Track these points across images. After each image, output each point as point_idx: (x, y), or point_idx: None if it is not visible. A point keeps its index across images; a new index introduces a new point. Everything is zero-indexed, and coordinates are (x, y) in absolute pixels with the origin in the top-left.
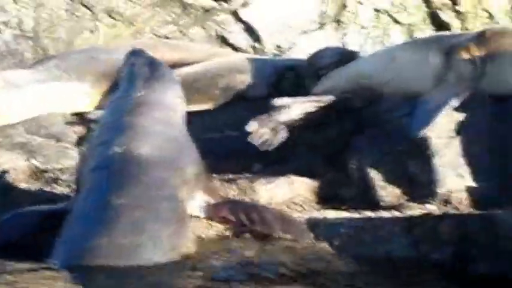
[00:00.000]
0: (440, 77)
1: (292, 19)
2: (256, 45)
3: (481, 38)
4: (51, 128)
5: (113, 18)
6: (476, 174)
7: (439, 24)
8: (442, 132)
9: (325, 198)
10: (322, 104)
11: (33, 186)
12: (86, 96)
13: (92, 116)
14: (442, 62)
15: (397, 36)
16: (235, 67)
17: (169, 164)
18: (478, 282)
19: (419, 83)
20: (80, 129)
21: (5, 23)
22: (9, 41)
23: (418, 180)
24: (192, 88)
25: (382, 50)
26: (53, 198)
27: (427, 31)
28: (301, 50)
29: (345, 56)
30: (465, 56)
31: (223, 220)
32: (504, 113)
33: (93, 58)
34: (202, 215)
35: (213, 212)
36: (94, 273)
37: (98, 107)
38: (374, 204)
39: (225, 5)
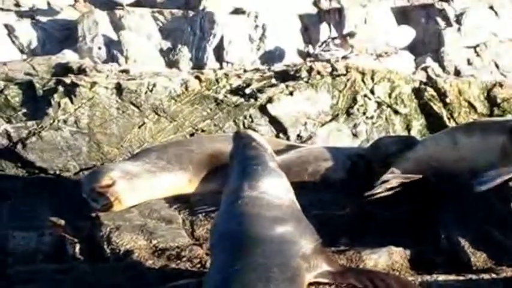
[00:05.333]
0: (505, 153)
1: (309, 112)
2: (281, 135)
3: None
4: (161, 211)
5: (158, 114)
6: None
7: (429, 113)
8: None
9: (419, 265)
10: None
11: (158, 263)
12: (189, 183)
13: (194, 199)
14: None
15: (398, 125)
16: (320, 155)
17: (284, 239)
18: None
19: (484, 160)
20: (185, 213)
21: (64, 121)
22: (67, 137)
23: (504, 245)
24: (286, 173)
25: (443, 134)
26: (178, 273)
27: (421, 120)
28: (321, 139)
29: (406, 143)
30: None
31: (350, 287)
32: None
33: (189, 150)
34: (327, 281)
35: (339, 279)
36: None
37: (198, 191)
38: (465, 268)
39: (252, 100)
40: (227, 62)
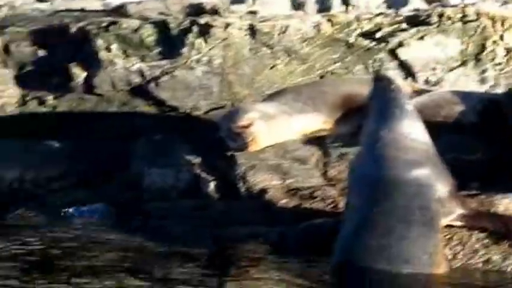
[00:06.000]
0: None
1: (438, 57)
2: (410, 79)
3: None
4: (296, 152)
5: (289, 56)
6: None
7: None
8: None
9: None
10: None
11: (291, 202)
12: (323, 125)
13: (328, 140)
14: None
15: None
16: (451, 99)
17: (421, 182)
18: None
19: None
20: (319, 153)
21: (197, 61)
22: (200, 76)
23: None
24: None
25: None
26: (310, 213)
27: None
28: (449, 84)
29: None
30: None
31: (482, 229)
32: None
33: (323, 91)
34: (460, 224)
35: (472, 222)
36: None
37: (332, 133)
38: None
39: (383, 44)
40: (353, 6)
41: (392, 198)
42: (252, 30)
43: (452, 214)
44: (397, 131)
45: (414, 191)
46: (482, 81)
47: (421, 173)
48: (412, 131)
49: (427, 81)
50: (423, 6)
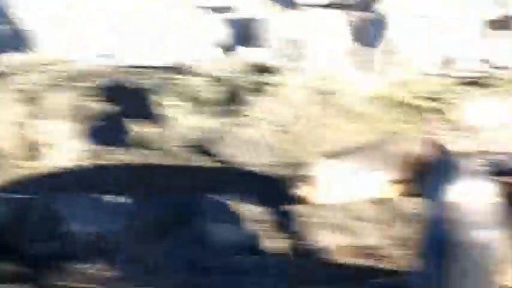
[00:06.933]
0: None
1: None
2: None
3: None
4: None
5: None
6: None
7: None
8: None
9: None
10: None
11: (358, 261)
12: (389, 185)
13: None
14: None
15: None
16: None
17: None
18: None
19: None
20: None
21: (260, 118)
22: (263, 133)
23: None
24: None
25: None
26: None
27: None
28: None
29: None
30: None
31: None
32: None
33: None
34: None
35: None
36: None
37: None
38: None
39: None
40: None
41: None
42: (315, 89)
43: None
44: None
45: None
46: None
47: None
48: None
49: None
50: None
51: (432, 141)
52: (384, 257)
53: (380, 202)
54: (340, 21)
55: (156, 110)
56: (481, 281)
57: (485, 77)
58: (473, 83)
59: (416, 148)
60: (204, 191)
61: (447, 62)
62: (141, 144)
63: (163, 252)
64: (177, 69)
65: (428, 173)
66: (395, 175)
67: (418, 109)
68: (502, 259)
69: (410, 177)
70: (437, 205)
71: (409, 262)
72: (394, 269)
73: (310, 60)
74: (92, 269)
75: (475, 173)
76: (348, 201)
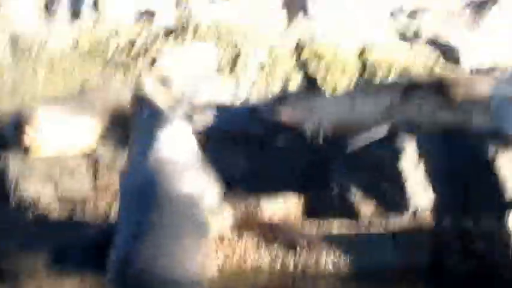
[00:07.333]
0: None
1: None
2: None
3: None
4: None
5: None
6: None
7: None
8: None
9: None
10: None
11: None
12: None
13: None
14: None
15: None
16: None
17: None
18: None
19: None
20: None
21: None
22: None
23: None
24: None
25: None
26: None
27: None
28: None
29: None
30: None
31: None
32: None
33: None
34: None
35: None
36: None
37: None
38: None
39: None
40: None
41: (163, 210)
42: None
43: (222, 222)
44: (162, 144)
45: (183, 203)
46: None
47: (188, 182)
48: (177, 142)
49: None
50: None
51: (135, 93)
52: (89, 207)
53: (87, 152)
54: None
55: None
56: (186, 232)
57: (183, 27)
58: (170, 32)
59: (120, 99)
60: None
61: (144, 14)
62: None
63: None
64: None
65: (133, 125)
66: (101, 125)
67: (117, 62)
68: (209, 210)
69: (113, 127)
70: (140, 157)
71: (113, 213)
72: (99, 220)
73: None
74: None
75: (177, 124)
76: (58, 152)
